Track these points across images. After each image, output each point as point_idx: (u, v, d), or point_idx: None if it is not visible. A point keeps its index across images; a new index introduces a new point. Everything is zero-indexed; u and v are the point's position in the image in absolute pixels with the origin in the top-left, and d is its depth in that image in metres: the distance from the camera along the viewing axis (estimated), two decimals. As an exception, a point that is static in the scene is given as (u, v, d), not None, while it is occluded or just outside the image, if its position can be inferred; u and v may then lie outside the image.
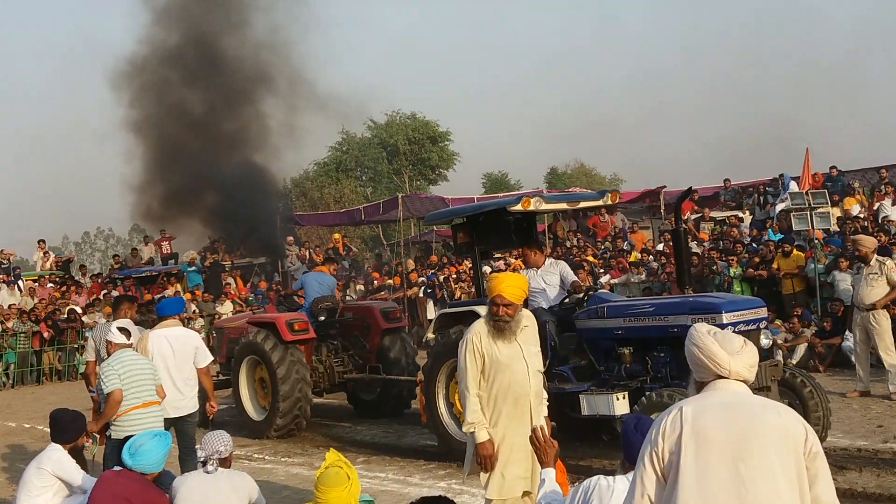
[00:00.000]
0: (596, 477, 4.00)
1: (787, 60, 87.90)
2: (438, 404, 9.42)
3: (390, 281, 22.83)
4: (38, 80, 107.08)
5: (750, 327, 8.09)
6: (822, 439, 7.88)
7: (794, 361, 13.88)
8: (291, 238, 27.23)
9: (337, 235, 28.55)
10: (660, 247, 20.00)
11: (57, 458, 6.29)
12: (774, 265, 16.30)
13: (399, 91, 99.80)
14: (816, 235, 16.16)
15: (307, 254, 25.83)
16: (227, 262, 26.32)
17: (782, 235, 17.63)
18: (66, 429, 6.58)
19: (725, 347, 3.20)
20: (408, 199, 24.64)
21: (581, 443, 9.51)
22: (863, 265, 11.62)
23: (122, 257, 28.30)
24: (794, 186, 20.04)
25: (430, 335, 9.93)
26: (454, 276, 21.07)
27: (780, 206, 19.56)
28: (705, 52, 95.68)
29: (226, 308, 22.53)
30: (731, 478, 3.02)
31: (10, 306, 21.66)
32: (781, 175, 21.75)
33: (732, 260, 17.00)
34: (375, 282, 23.57)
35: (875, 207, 19.07)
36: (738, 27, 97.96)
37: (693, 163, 70.96)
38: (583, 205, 10.41)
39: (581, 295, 9.23)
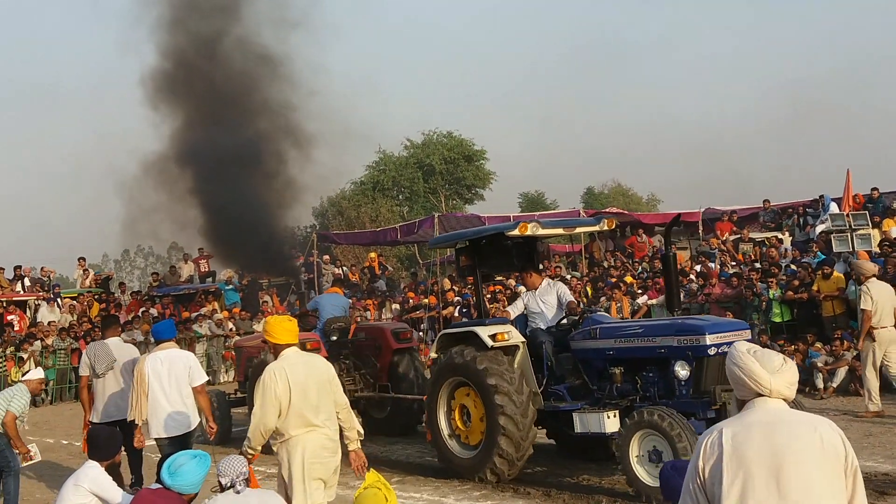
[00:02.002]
0: None
1: (829, 77, 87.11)
2: (439, 421, 9.76)
3: (426, 300, 22.84)
4: (76, 97, 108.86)
5: None
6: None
7: (834, 385, 13.68)
8: (327, 256, 27.37)
9: (373, 254, 28.63)
10: (697, 268, 19.79)
11: (94, 476, 6.32)
12: (814, 287, 16.07)
13: (440, 110, 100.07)
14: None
15: (341, 271, 25.92)
16: (264, 280, 26.46)
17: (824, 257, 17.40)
18: (103, 446, 6.61)
19: (766, 366, 3.22)
20: (444, 219, 24.71)
21: (577, 461, 9.89)
22: None
23: (160, 275, 28.51)
24: (834, 208, 19.78)
25: (434, 355, 10.31)
26: (489, 295, 21.02)
27: (820, 228, 19.30)
28: (739, 73, 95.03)
29: (262, 326, 22.61)
30: (772, 496, 3.03)
31: (49, 323, 21.97)
32: (821, 196, 21.49)
33: (772, 282, 16.79)
34: (411, 301, 23.59)
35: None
36: (768, 55, 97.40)
37: (730, 183, 70.34)
38: (579, 230, 10.99)
39: (576, 317, 9.61)
